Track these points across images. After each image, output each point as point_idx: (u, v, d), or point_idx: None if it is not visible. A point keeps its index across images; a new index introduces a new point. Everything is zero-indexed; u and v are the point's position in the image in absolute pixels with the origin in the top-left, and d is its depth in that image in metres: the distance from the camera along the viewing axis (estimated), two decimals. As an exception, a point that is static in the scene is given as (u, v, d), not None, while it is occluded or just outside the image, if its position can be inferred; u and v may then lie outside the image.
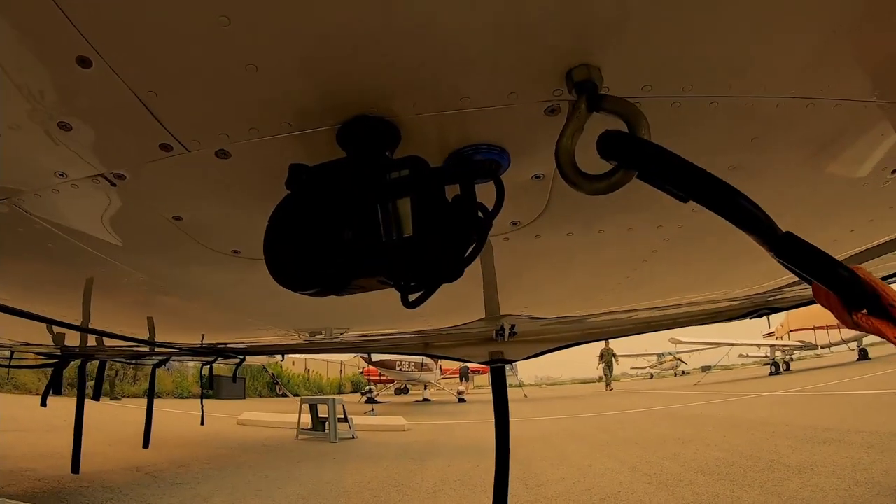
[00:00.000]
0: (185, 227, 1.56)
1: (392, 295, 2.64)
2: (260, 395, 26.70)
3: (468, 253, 0.99)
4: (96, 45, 0.91)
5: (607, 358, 31.19)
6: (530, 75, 0.96)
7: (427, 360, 24.09)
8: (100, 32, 0.88)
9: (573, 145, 0.88)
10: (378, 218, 0.93)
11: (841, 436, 7.74)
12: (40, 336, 4.11)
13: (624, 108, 0.84)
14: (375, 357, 23.39)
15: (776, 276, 2.66)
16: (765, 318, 3.73)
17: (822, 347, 26.75)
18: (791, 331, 26.81)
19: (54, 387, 5.03)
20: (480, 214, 1.05)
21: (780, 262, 0.78)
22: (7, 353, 5.30)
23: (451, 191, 1.02)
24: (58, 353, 4.87)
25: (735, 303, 3.37)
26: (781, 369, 25.29)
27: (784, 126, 1.19)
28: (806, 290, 3.12)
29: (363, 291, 1.05)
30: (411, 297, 1.00)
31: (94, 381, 5.55)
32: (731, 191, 0.76)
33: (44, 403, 5.31)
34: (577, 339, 4.19)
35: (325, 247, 0.92)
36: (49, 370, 5.20)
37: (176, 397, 21.28)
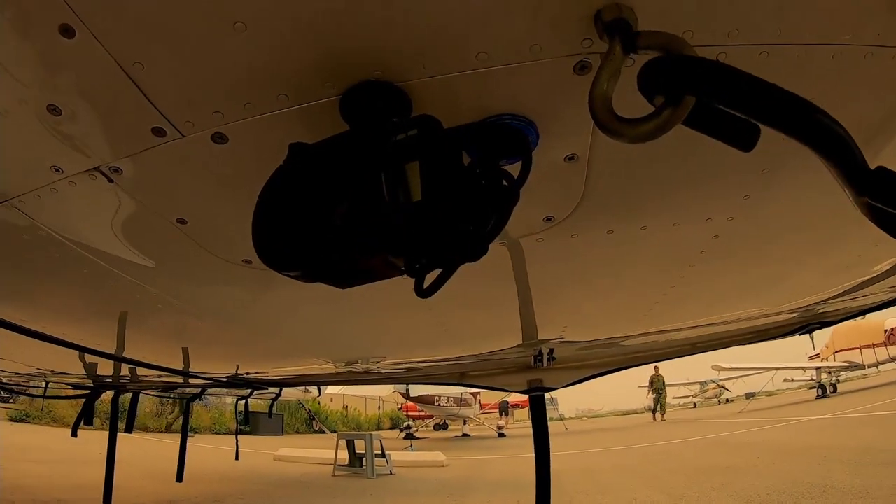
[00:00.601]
0: (190, 232, 1.46)
1: (427, 319, 2.54)
2: (298, 432, 26.57)
3: (490, 227, 0.83)
4: (78, 11, 0.83)
5: (657, 385, 27.97)
6: (554, 22, 0.82)
7: (466, 394, 23.68)
8: None
9: (610, 91, 0.73)
10: (381, 186, 0.78)
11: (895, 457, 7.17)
12: (73, 366, 4.12)
13: (665, 40, 0.69)
14: (414, 392, 23.14)
15: (825, 285, 2.45)
16: (809, 340, 3.47)
17: (868, 367, 25.21)
18: (836, 351, 25.49)
19: (86, 417, 5.04)
20: (505, 183, 0.89)
21: (865, 208, 0.60)
22: (42, 384, 5.37)
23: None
24: (90, 383, 4.89)
25: (783, 317, 3.12)
26: (828, 391, 23.81)
27: (839, 83, 1.02)
28: (855, 301, 2.86)
29: (370, 279, 0.90)
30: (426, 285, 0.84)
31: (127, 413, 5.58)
32: (808, 107, 0.60)
33: (74, 434, 5.32)
34: (618, 364, 3.93)
35: (318, 221, 0.77)
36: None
37: (213, 433, 21.38)
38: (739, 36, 0.88)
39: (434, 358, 4.00)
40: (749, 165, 1.27)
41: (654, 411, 28.05)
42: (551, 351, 3.42)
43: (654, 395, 28.06)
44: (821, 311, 3.03)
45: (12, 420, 15.54)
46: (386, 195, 0.77)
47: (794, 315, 3.08)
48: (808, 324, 3.31)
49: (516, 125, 1.00)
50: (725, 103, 0.61)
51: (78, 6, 0.83)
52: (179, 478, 6.58)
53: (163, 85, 0.96)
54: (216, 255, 1.60)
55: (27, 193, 1.32)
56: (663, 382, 28.03)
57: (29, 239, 1.56)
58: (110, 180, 1.23)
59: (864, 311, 3.43)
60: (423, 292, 0.85)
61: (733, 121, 0.67)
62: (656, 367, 25.80)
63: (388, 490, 9.01)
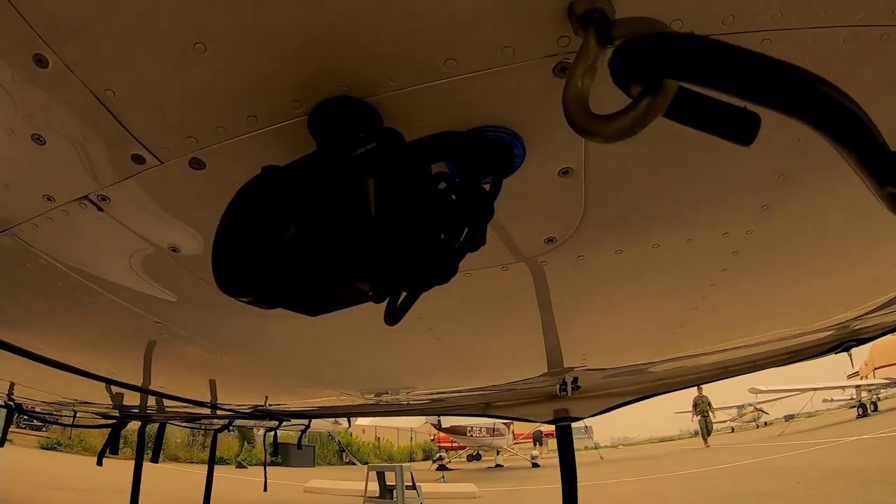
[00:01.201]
0: (183, 260, 1.44)
1: (445, 348, 2.47)
2: (329, 463, 26.36)
3: (458, 245, 0.76)
4: (48, 41, 0.84)
5: (702, 407, 25.33)
6: (524, 20, 0.76)
7: (499, 424, 23.23)
8: (48, 26, 0.81)
9: (586, 89, 0.65)
10: (335, 205, 0.73)
11: (943, 477, 6.72)
12: (98, 396, 4.17)
13: (644, 26, 0.61)
14: (446, 423, 22.82)
15: (859, 299, 2.27)
16: (847, 358, 3.24)
17: None
18: (876, 368, 24.10)
19: (111, 447, 5.08)
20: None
21: (888, 200, 0.50)
22: (70, 413, 5.46)
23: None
24: (116, 413, 4.94)
25: (817, 336, 2.93)
26: (869, 410, 22.74)
27: (853, 71, 0.91)
28: (893, 315, 2.64)
29: (337, 306, 0.84)
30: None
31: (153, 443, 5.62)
32: (811, 80, 0.49)
33: (100, 462, 5.36)
34: (647, 392, 3.74)
35: (268, 243, 0.72)
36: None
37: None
38: (735, 22, 0.78)
39: (458, 389, 3.91)
40: (764, 171, 1.17)
41: (704, 436, 25.41)
42: (575, 379, 3.28)
43: (699, 418, 25.65)
44: (856, 327, 2.82)
45: (44, 448, 15.91)
46: (340, 214, 0.72)
47: (828, 333, 2.89)
48: (844, 341, 3.09)
49: (499, 137, 0.94)
50: (712, 83, 0.51)
51: (48, 35, 0.83)
52: (207, 510, 6.52)
53: (135, 111, 0.95)
54: (210, 283, 1.57)
55: (25, 222, 1.33)
56: (708, 403, 25.63)
57: (32, 268, 1.57)
58: (100, 209, 1.24)
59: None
60: (390, 318, 0.78)
61: (727, 109, 0.57)
62: (699, 388, 23.60)
63: (419, 524, 8.78)
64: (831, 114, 0.49)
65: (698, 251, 1.50)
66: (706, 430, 25.45)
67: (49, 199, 1.22)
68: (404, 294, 0.79)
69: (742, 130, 0.57)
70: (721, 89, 0.51)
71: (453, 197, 0.80)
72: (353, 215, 0.70)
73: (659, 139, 1.04)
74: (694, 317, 2.13)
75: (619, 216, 1.30)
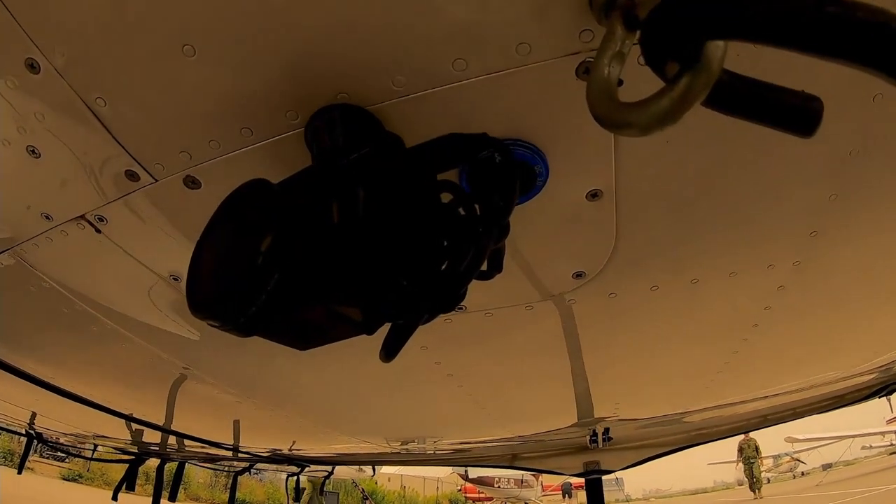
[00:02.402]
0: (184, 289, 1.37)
1: (474, 397, 2.32)
2: (355, 511, 25.64)
3: (463, 267, 0.64)
4: (40, 45, 0.80)
5: (748, 452, 21.02)
6: (540, 12, 0.67)
7: (527, 476, 22.42)
8: (39, 28, 0.77)
9: (613, 77, 0.54)
10: (315, 214, 0.62)
11: None
12: (117, 431, 4.12)
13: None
14: (473, 473, 22.13)
15: None
16: (886, 403, 2.94)
17: None
18: None
19: (128, 482, 4.97)
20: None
21: None
22: (90, 445, 5.42)
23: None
24: (134, 449, 4.86)
25: (859, 379, 2.67)
26: None
27: None
28: None
29: (326, 338, 0.72)
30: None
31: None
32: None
33: (115, 498, 5.25)
34: (682, 443, 3.50)
35: (242, 259, 0.62)
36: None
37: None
38: None
39: (483, 439, 3.72)
40: (813, 192, 1.04)
41: (752, 486, 21.45)
42: (606, 430, 3.05)
43: (745, 467, 21.38)
44: None
45: (65, 479, 15.90)
46: (319, 224, 0.61)
47: (871, 376, 2.65)
48: (887, 384, 2.85)
49: (518, 153, 0.83)
50: (771, 36, 0.38)
51: (39, 39, 0.79)
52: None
53: (126, 122, 0.90)
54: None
55: (26, 241, 1.30)
56: (756, 448, 21.29)
57: (36, 291, 1.53)
58: (97, 230, 1.18)
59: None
60: (384, 352, 0.66)
61: (782, 94, 0.47)
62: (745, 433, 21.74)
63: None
64: None
65: (741, 287, 1.34)
66: (753, 478, 21.31)
67: (48, 218, 1.18)
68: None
69: (802, 118, 0.46)
70: (782, 43, 0.38)
71: (461, 211, 0.69)
72: (336, 224, 0.60)
73: (698, 155, 0.93)
74: (733, 361, 1.93)
75: (655, 247, 1.16)
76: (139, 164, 0.96)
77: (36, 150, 1.00)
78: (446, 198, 0.71)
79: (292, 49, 0.73)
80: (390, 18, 0.68)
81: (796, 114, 0.46)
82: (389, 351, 0.66)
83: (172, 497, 5.67)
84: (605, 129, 0.53)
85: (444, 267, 0.63)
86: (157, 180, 0.99)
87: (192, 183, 0.99)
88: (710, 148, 0.91)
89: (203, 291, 0.65)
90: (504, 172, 0.70)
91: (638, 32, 0.57)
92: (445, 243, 0.65)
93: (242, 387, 2.41)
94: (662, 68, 0.48)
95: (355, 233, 0.60)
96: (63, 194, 1.10)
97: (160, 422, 3.58)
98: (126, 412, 3.34)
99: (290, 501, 10.11)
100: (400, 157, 0.66)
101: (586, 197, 0.99)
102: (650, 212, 1.05)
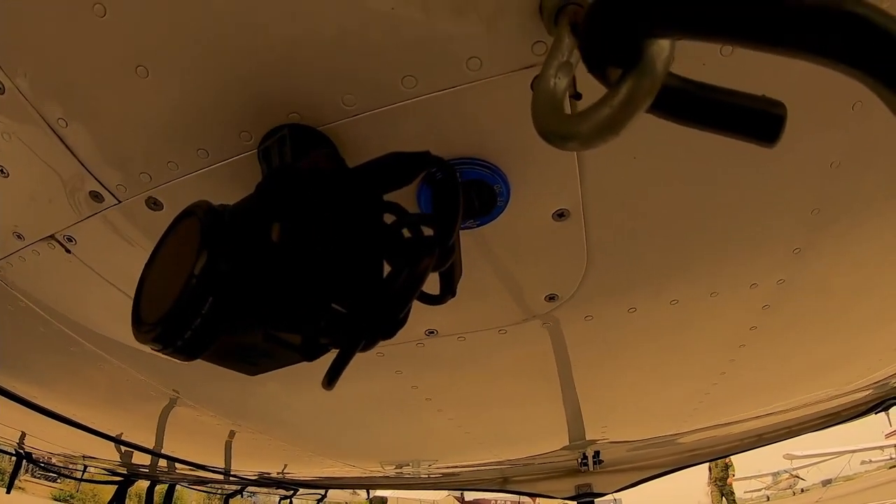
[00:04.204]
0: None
1: (457, 421, 2.28)
2: (345, 534, 25.10)
3: (397, 288, 0.61)
4: (3, 65, 0.80)
5: (717, 472, 16.78)
6: (489, 25, 0.65)
7: (524, 497, 22.00)
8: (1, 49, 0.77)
9: (559, 89, 0.52)
10: (249, 234, 0.61)
11: None
12: (107, 452, 4.06)
13: None
14: (469, 496, 21.75)
15: None
16: (885, 417, 2.91)
17: None
18: None
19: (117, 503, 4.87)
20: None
21: None
22: (80, 466, 5.32)
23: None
24: (124, 471, 4.78)
25: (855, 396, 2.64)
26: None
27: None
28: None
29: (270, 364, 0.70)
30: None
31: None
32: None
33: None
34: (676, 464, 3.44)
35: (176, 280, 0.60)
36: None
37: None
38: None
39: (473, 463, 3.66)
40: (795, 206, 1.02)
41: None
42: (597, 453, 3.00)
43: (716, 490, 17.23)
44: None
45: (56, 500, 15.63)
46: (251, 244, 0.59)
47: (867, 392, 2.61)
48: (884, 400, 2.83)
49: (477, 175, 0.82)
50: (717, 29, 0.35)
51: (2, 60, 0.79)
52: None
53: (87, 143, 0.90)
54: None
55: (0, 260, 1.28)
56: (726, 465, 16.88)
57: (14, 311, 1.52)
58: (67, 250, 1.17)
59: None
60: (326, 379, 0.64)
61: (741, 100, 0.43)
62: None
63: None
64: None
65: (723, 306, 1.32)
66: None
67: (19, 237, 1.17)
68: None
69: (763, 125, 0.42)
70: (728, 36, 0.35)
71: (405, 233, 0.67)
72: (275, 252, 0.58)
73: (669, 171, 0.91)
74: (722, 382, 1.89)
75: (630, 267, 1.14)
76: (102, 185, 0.96)
77: (3, 170, 0.99)
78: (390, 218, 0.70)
79: (243, 70, 0.73)
80: (337, 36, 0.67)
81: (757, 120, 0.42)
82: (329, 378, 0.63)
83: (161, 522, 5.55)
84: (548, 144, 0.51)
85: (381, 289, 0.61)
86: (120, 201, 0.99)
87: (153, 204, 0.98)
88: (682, 163, 0.89)
89: (142, 315, 0.63)
90: (448, 191, 0.68)
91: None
92: (385, 266, 0.63)
93: (232, 412, 2.38)
94: (604, 74, 0.45)
95: (289, 255, 0.58)
96: (33, 213, 1.09)
97: (150, 443, 3.53)
98: (115, 433, 3.29)
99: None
100: (340, 178, 0.65)
101: (553, 217, 0.97)
102: (622, 231, 1.04)
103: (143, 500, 5.52)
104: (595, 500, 3.52)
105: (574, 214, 0.97)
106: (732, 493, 16.51)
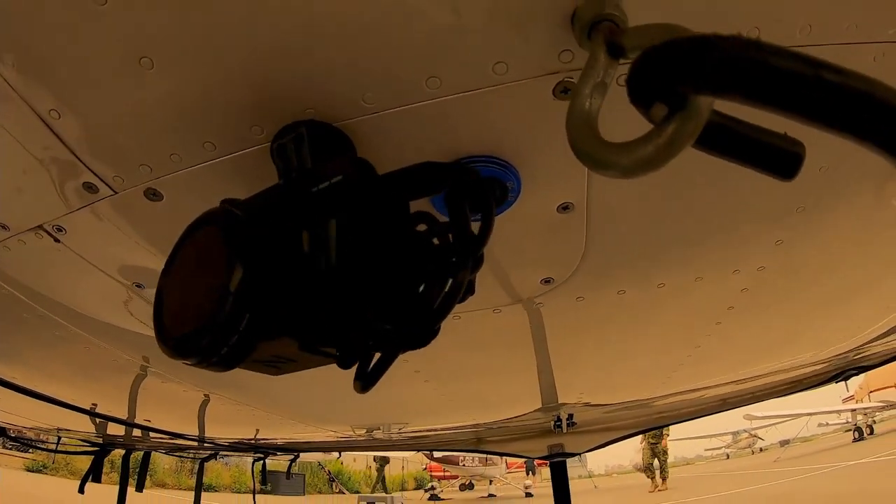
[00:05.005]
0: (149, 297, 1.32)
1: (441, 389, 2.33)
2: (320, 492, 25.63)
3: (439, 302, 0.64)
4: None
5: (651, 437, 16.25)
6: (518, 30, 0.65)
7: (493, 457, 22.85)
8: None
9: (594, 110, 0.53)
10: (290, 248, 0.60)
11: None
12: (82, 423, 4.00)
13: (663, 33, 0.48)
14: (438, 453, 22.42)
15: (862, 329, 2.15)
16: (843, 382, 3.12)
17: None
18: (871, 391, 23.91)
19: (94, 474, 4.84)
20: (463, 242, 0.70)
21: None
22: (54, 438, 5.25)
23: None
24: (99, 441, 4.74)
25: (818, 367, 2.82)
26: (865, 434, 22.51)
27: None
28: (888, 345, 2.54)
29: (299, 367, 0.71)
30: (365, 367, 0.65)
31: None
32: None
33: (81, 490, 5.10)
34: (644, 426, 3.63)
35: (211, 294, 0.59)
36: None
37: (234, 492, 20.78)
38: (760, 34, 0.69)
39: (449, 426, 3.76)
40: (781, 204, 1.07)
41: (651, 473, 17.00)
42: (570, 416, 3.13)
43: (644, 445, 17.04)
44: (857, 356, 2.72)
45: (29, 470, 15.46)
46: (293, 261, 0.59)
47: (829, 363, 2.79)
48: (844, 370, 3.00)
49: (491, 172, 0.83)
50: (763, 98, 0.37)
51: None
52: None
53: (83, 135, 0.85)
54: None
55: None
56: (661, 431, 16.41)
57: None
58: (56, 240, 1.13)
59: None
60: (360, 384, 0.65)
61: (766, 137, 0.47)
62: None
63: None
64: None
65: (706, 290, 1.39)
66: (654, 465, 17.01)
67: (4, 228, 1.12)
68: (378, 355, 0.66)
69: (783, 162, 0.46)
70: (773, 106, 0.37)
71: (435, 241, 0.68)
72: (308, 263, 0.58)
73: (669, 171, 0.94)
74: (696, 355, 2.01)
75: (623, 255, 1.19)
76: (97, 176, 0.92)
77: None
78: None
79: (258, 62, 0.70)
80: (363, 33, 0.65)
81: (779, 157, 0.47)
82: (365, 385, 0.65)
83: (139, 488, 5.55)
84: (586, 166, 0.53)
85: (420, 301, 0.63)
86: (116, 192, 0.95)
87: (153, 195, 0.94)
88: (681, 164, 0.93)
89: (174, 332, 0.62)
90: (481, 202, 0.69)
91: (620, 63, 0.56)
92: (421, 277, 0.64)
93: (204, 380, 2.36)
94: (649, 110, 0.46)
95: (327, 269, 0.58)
96: (20, 205, 1.04)
97: (124, 414, 3.50)
98: (90, 405, 3.25)
99: (257, 485, 10.04)
100: (373, 187, 0.64)
101: (557, 209, 1.00)
102: (620, 223, 1.07)
103: (119, 467, 5.50)
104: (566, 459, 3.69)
105: (578, 207, 0.99)
106: (665, 452, 16.93)
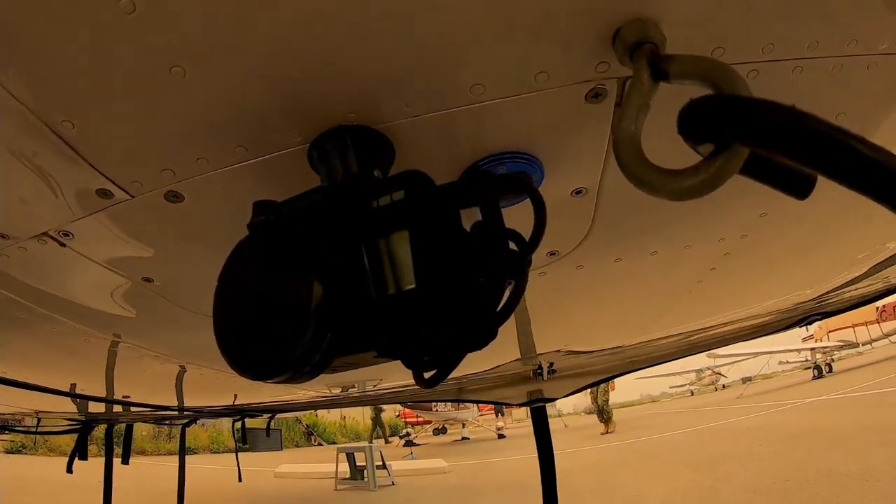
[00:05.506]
0: (159, 290, 1.31)
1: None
2: (297, 445, 26.17)
3: (502, 304, 0.69)
4: None
5: None
6: (564, 46, 0.68)
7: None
8: None
9: (638, 131, 0.59)
10: (363, 265, 0.63)
11: (896, 436, 7.03)
12: (62, 405, 3.96)
13: (709, 70, 0.54)
14: (412, 399, 22.92)
15: (827, 279, 2.35)
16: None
17: (862, 344, 25.66)
18: (830, 331, 25.59)
19: (80, 452, 4.84)
20: (513, 246, 0.75)
21: None
22: (33, 420, 5.19)
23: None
24: (82, 418, 4.71)
25: (784, 314, 3.04)
26: (824, 372, 23.94)
27: (871, 96, 0.93)
28: (854, 292, 2.79)
29: (355, 368, 0.76)
30: (427, 373, 0.70)
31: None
32: None
33: (69, 470, 5.09)
34: (618, 370, 3.80)
35: (291, 315, 0.62)
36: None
37: (212, 452, 21.00)
38: (774, 50, 0.76)
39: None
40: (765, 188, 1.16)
41: (603, 417, 17.69)
42: (551, 364, 3.29)
43: (591, 394, 17.87)
44: (820, 304, 2.94)
45: (8, 452, 15.20)
46: (371, 283, 0.62)
47: (795, 310, 2.99)
48: (807, 316, 3.21)
49: (517, 167, 0.86)
50: (798, 158, 0.46)
51: None
52: (181, 504, 6.33)
53: (101, 144, 0.82)
54: (190, 309, 1.45)
55: None
56: None
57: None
58: (62, 244, 1.10)
59: (863, 303, 3.35)
60: (425, 384, 0.70)
61: (787, 167, 0.54)
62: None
63: (392, 503, 8.84)
64: None
65: (694, 255, 1.49)
66: (602, 408, 17.81)
67: (3, 237, 1.08)
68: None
69: (800, 186, 0.55)
70: (805, 164, 0.45)
71: (487, 248, 0.72)
72: (380, 277, 0.61)
73: (670, 160, 1.00)
74: (676, 308, 2.15)
75: (624, 230, 1.26)
76: (114, 183, 0.89)
77: None
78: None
79: (303, 69, 0.68)
80: (412, 41, 0.66)
81: (794, 180, 0.55)
82: (429, 385, 0.70)
83: (125, 460, 5.57)
84: (631, 183, 0.58)
85: (484, 305, 0.67)
86: (133, 197, 0.93)
87: (173, 197, 0.93)
88: (681, 154, 0.99)
89: (252, 354, 0.64)
90: (536, 211, 0.74)
91: (660, 84, 0.61)
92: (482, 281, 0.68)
93: (180, 352, 2.36)
94: (696, 144, 0.53)
95: (398, 287, 0.61)
96: (21, 216, 1.00)
97: (103, 391, 3.47)
98: (67, 386, 3.20)
99: (237, 444, 10.17)
100: (436, 202, 0.67)
101: (571, 194, 1.04)
102: (625, 203, 1.13)
103: (97, 441, 5.48)
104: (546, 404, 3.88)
105: (590, 191, 1.04)
106: (607, 391, 17.72)
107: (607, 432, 16.72)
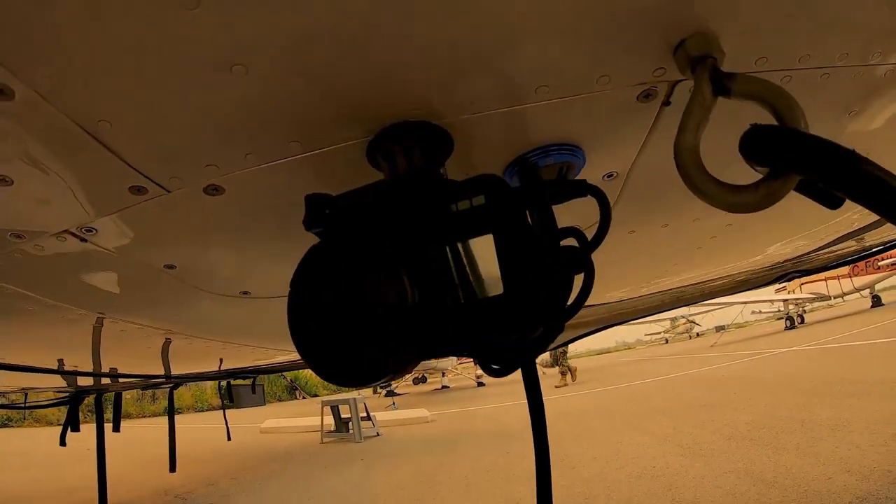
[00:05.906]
0: (180, 275, 1.30)
1: None
2: (280, 400, 26.54)
3: (572, 301, 0.72)
4: (12, 67, 0.65)
5: None
6: (628, 52, 0.69)
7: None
8: (9, 51, 0.63)
9: (697, 142, 0.62)
10: (449, 269, 0.65)
11: (868, 388, 7.37)
12: (50, 379, 3.92)
13: (768, 93, 0.59)
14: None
15: (808, 240, 2.44)
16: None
17: (834, 298, 26.30)
18: (803, 283, 26.23)
19: (72, 424, 4.83)
20: (575, 243, 0.78)
21: None
22: (20, 395, 5.13)
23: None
24: (71, 390, 4.68)
25: (766, 272, 3.18)
26: (796, 323, 24.62)
27: (884, 97, 1.00)
28: (830, 253, 2.95)
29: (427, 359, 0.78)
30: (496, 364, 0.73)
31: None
32: None
33: (63, 443, 5.10)
34: (606, 322, 3.91)
35: (380, 320, 0.63)
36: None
37: (196, 411, 21.18)
38: (810, 60, 0.81)
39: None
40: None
41: (563, 370, 17.92)
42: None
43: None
44: (799, 263, 3.09)
45: None
46: (459, 288, 0.64)
47: (775, 268, 3.14)
48: (787, 273, 3.37)
49: (562, 157, 0.87)
50: (853, 197, 0.53)
51: (10, 62, 0.65)
52: (173, 468, 6.44)
53: (138, 142, 0.78)
54: (210, 291, 1.44)
55: None
56: None
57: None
58: (83, 240, 1.07)
59: (840, 264, 3.50)
60: (495, 373, 0.73)
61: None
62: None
63: (379, 453, 9.06)
64: None
65: (700, 226, 1.55)
66: (556, 359, 18.29)
67: (19, 237, 1.04)
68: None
69: (832, 200, 0.60)
70: (861, 204, 0.52)
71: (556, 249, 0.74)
72: (468, 282, 0.63)
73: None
74: (672, 270, 2.23)
75: (643, 207, 1.29)
76: (150, 179, 0.86)
77: (6, 179, 0.85)
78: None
79: (372, 67, 0.67)
80: (484, 44, 0.65)
81: (829, 197, 0.60)
82: (499, 375, 0.73)
83: (116, 427, 5.59)
84: (693, 193, 0.61)
85: (554, 303, 0.69)
86: (169, 192, 0.91)
87: (213, 191, 0.91)
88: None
89: (346, 363, 0.64)
90: (601, 211, 0.76)
91: (719, 98, 0.64)
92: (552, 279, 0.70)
93: (162, 322, 2.35)
94: (755, 165, 0.58)
95: (499, 298, 0.63)
96: (43, 216, 0.97)
97: (90, 365, 3.44)
98: (55, 362, 3.17)
99: (223, 403, 10.23)
100: (516, 207, 0.67)
101: (603, 178, 1.07)
102: (647, 185, 1.16)
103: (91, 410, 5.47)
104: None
105: (620, 175, 1.07)
106: (565, 353, 17.78)
107: (564, 384, 16.74)
